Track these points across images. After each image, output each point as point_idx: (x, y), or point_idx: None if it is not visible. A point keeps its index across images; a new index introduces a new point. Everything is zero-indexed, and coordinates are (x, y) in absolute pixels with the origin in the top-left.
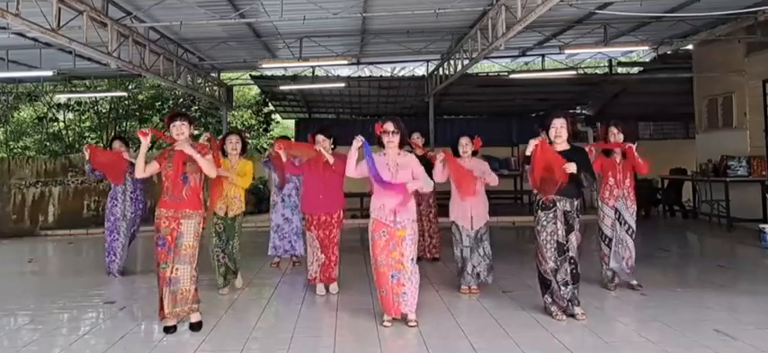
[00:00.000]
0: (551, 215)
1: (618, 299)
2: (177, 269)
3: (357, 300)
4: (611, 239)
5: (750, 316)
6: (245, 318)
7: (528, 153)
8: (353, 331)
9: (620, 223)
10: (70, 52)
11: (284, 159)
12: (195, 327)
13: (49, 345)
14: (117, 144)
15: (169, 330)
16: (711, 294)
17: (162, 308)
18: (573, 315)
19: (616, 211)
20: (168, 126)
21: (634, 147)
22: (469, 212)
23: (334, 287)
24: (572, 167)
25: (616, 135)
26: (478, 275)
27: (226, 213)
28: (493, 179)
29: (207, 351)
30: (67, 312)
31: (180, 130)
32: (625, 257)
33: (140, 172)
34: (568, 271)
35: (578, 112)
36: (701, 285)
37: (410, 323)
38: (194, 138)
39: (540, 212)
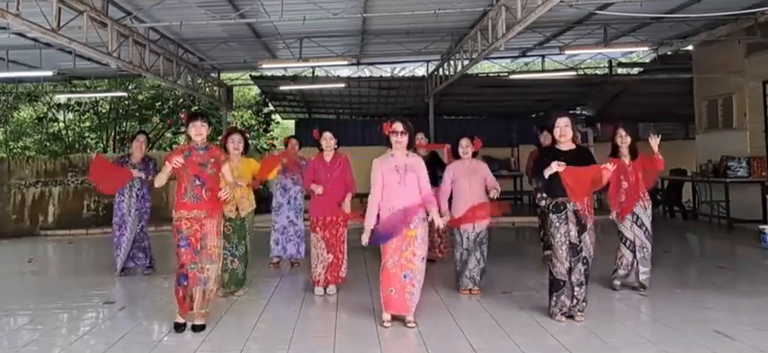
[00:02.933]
0: (563, 217)
1: (618, 299)
2: (208, 269)
3: (357, 300)
4: (633, 243)
5: (750, 317)
6: (246, 318)
7: (546, 176)
8: (353, 332)
9: (639, 226)
10: (70, 52)
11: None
12: (198, 329)
13: (49, 345)
14: (142, 137)
15: (179, 327)
16: (711, 294)
17: (184, 306)
18: (572, 317)
19: (633, 213)
20: (187, 125)
21: (657, 140)
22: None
23: (331, 289)
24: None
25: (624, 138)
26: (473, 278)
27: (236, 215)
28: (492, 181)
29: (207, 351)
30: (67, 312)
31: (199, 130)
32: (648, 260)
33: (161, 183)
34: (582, 271)
35: (578, 112)
36: (701, 286)
37: (409, 324)
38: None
39: (552, 215)
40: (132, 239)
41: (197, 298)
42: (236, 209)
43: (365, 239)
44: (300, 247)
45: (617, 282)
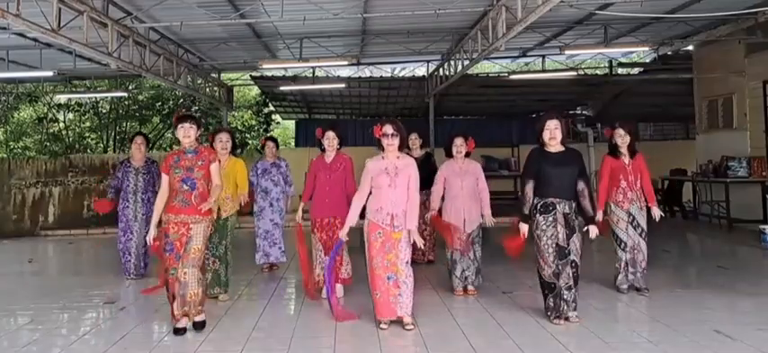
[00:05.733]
0: (551, 219)
1: (618, 300)
2: (186, 273)
3: (356, 301)
4: (627, 244)
5: (750, 317)
6: (245, 319)
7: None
8: (353, 332)
9: (634, 227)
10: (70, 53)
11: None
12: (199, 326)
13: (49, 345)
14: (139, 139)
15: (179, 331)
16: (711, 294)
17: (173, 313)
18: (568, 319)
19: (629, 214)
20: (176, 127)
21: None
22: (462, 215)
23: (339, 290)
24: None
25: (623, 137)
26: (466, 278)
27: (218, 215)
28: (485, 193)
29: (207, 352)
30: (67, 312)
31: (188, 132)
32: (639, 261)
33: (165, 197)
34: (570, 275)
35: (578, 112)
36: (702, 286)
37: (407, 326)
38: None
39: (539, 216)
40: (142, 244)
41: (177, 302)
42: (219, 209)
43: (343, 234)
44: (281, 247)
45: (624, 286)
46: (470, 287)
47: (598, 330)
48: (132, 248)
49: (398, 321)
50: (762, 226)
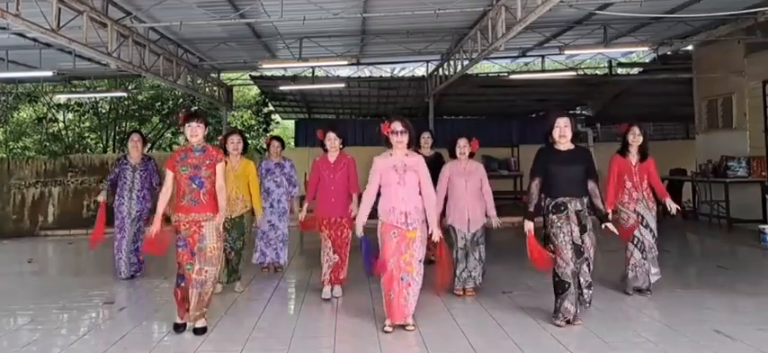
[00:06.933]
0: (564, 217)
1: (618, 300)
2: (205, 271)
3: (357, 301)
4: (642, 243)
5: (750, 317)
6: (245, 319)
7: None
8: (353, 333)
9: (645, 227)
10: (70, 53)
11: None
12: (199, 332)
13: (49, 345)
14: (136, 136)
15: (179, 328)
16: (711, 294)
17: (182, 308)
18: (569, 321)
19: (638, 214)
20: (183, 126)
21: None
22: (466, 215)
23: (337, 290)
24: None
25: (636, 136)
26: (468, 277)
27: (231, 215)
28: (488, 196)
29: (207, 352)
30: (67, 312)
31: (195, 131)
32: (654, 258)
33: (168, 195)
34: (587, 272)
35: (578, 112)
36: (702, 286)
37: (408, 327)
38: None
39: (552, 215)
40: (132, 241)
41: (193, 301)
42: (230, 210)
43: (359, 231)
44: (282, 251)
45: (630, 290)
46: (468, 287)
47: (598, 330)
48: (123, 246)
49: (399, 324)
50: (761, 226)
